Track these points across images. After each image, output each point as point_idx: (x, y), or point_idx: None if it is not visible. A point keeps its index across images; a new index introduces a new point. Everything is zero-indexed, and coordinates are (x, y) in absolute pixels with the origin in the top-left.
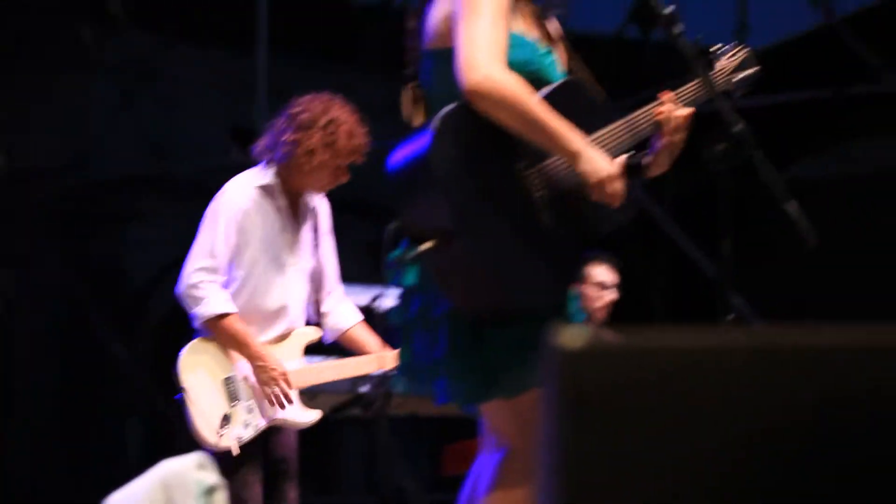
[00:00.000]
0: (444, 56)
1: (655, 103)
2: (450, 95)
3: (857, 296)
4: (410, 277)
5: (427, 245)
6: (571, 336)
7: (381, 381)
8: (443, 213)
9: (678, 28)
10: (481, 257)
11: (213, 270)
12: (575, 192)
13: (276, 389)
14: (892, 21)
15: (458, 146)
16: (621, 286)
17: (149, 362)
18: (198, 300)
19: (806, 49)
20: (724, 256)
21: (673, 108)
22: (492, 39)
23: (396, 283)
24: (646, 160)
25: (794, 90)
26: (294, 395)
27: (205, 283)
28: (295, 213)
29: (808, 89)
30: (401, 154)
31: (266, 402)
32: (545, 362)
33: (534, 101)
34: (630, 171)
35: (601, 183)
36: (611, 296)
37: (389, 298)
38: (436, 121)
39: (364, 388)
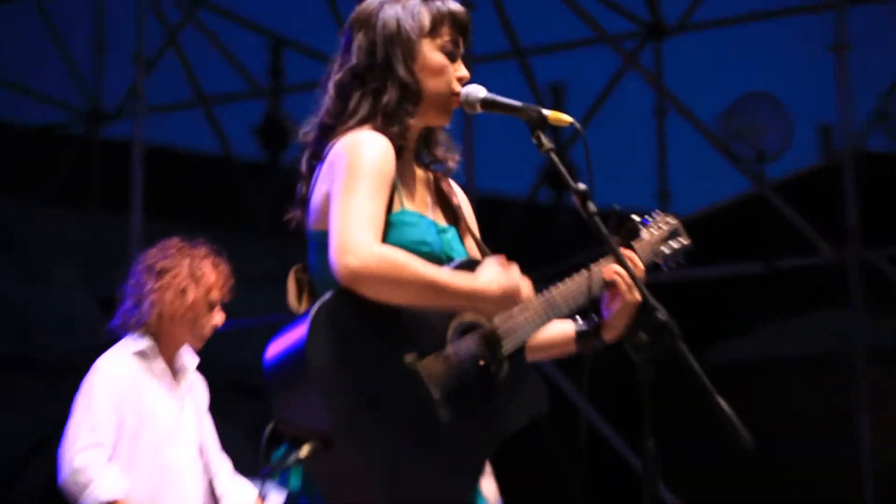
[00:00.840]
0: (327, 238)
1: (597, 266)
2: (335, 281)
3: (795, 485)
4: (294, 481)
5: (306, 449)
6: None
7: None
8: (320, 416)
9: (591, 206)
10: (366, 462)
11: (97, 446)
12: (481, 385)
13: None
14: (826, 188)
15: (337, 340)
16: (543, 477)
17: None
18: (83, 486)
19: (734, 218)
20: (649, 452)
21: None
22: (366, 216)
23: (281, 486)
24: (602, 324)
25: (723, 263)
26: None
27: (89, 465)
28: (175, 376)
29: (738, 262)
30: (275, 347)
31: None
32: None
33: (421, 265)
34: (583, 338)
35: (516, 297)
36: None
37: (276, 495)
38: (313, 311)
39: None
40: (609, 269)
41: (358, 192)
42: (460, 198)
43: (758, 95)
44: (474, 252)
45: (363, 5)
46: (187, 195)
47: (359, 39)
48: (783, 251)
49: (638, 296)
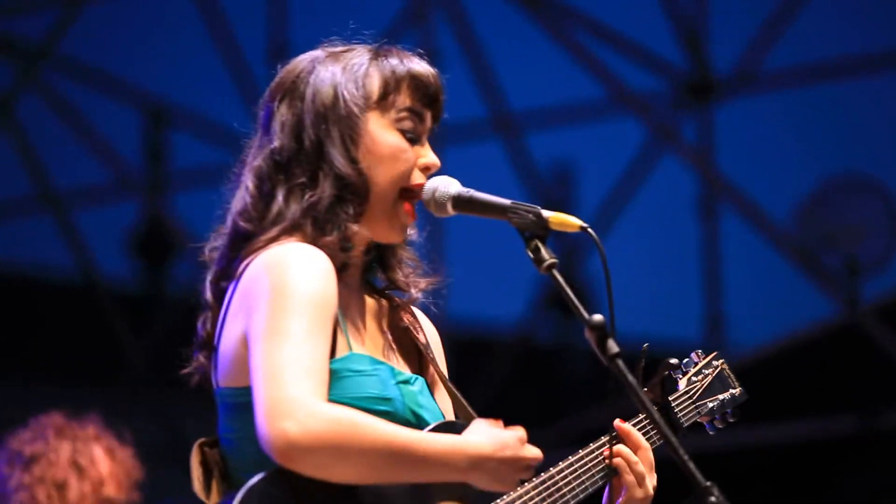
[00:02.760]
0: (247, 398)
1: (604, 441)
2: (260, 459)
3: None
4: None
5: None
6: None
7: None
8: None
9: (612, 346)
10: None
11: None
12: None
13: None
14: None
15: None
16: None
17: None
18: None
19: (816, 357)
20: None
21: (635, 442)
22: (304, 364)
23: None
24: None
25: (800, 419)
26: None
27: None
28: None
29: (822, 418)
30: None
31: None
32: None
33: (382, 429)
34: None
35: (524, 466)
36: None
37: None
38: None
39: None
40: (615, 450)
41: (290, 332)
42: (428, 335)
43: (852, 181)
44: (449, 411)
45: (289, 65)
46: (32, 336)
47: (282, 114)
48: (885, 401)
49: (650, 489)
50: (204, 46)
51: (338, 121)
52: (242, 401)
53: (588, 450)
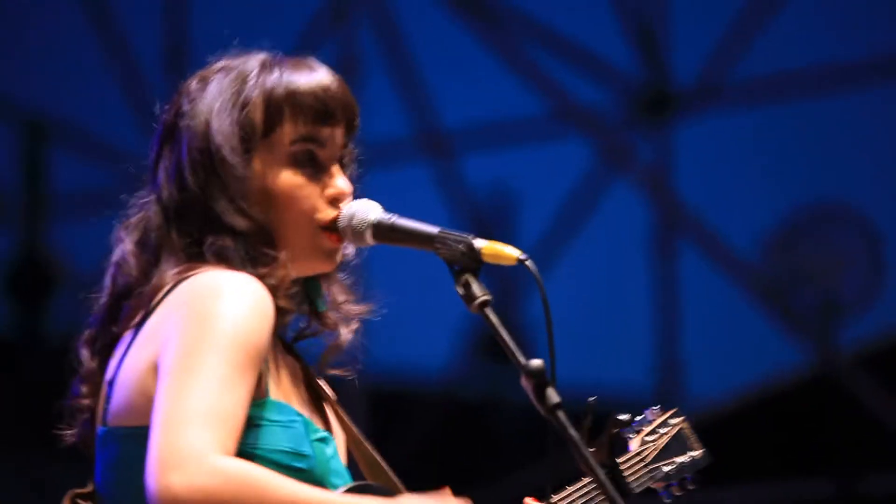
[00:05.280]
0: (142, 440)
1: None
2: None
3: None
4: None
5: None
6: None
7: None
8: None
9: (552, 396)
10: None
11: None
12: None
13: None
14: None
15: None
16: None
17: None
18: None
19: (786, 412)
20: None
21: None
22: (213, 410)
23: None
24: None
25: (769, 482)
26: None
27: None
28: None
29: (794, 480)
30: None
31: None
32: None
33: (285, 486)
34: None
35: None
36: None
37: None
38: None
39: None
40: None
41: (206, 371)
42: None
43: (828, 210)
44: (361, 477)
45: (179, 91)
46: None
47: (165, 158)
48: (866, 463)
49: None
50: (89, 50)
51: (213, 170)
52: (136, 445)
53: None
